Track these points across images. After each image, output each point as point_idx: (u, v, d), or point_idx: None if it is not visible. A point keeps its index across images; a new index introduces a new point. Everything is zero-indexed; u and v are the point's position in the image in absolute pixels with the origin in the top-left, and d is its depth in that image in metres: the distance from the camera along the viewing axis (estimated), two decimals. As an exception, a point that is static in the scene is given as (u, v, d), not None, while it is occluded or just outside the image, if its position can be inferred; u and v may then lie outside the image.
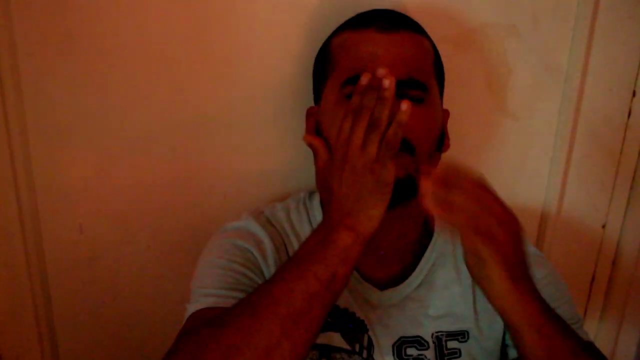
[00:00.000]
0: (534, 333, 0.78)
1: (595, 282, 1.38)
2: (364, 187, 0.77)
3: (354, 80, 0.85)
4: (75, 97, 1.05)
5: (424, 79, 0.92)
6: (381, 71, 0.77)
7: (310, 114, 1.01)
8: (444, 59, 1.00)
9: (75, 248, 1.15)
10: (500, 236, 0.77)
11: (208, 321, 0.76)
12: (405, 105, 0.76)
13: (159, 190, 1.14)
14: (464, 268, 0.95)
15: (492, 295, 0.79)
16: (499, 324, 0.95)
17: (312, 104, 1.02)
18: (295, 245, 0.96)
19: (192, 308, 0.86)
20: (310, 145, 0.90)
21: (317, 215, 0.99)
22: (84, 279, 1.17)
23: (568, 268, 1.34)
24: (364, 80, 0.81)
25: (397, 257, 0.98)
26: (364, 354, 0.93)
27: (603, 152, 1.27)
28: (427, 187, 0.78)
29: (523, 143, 1.24)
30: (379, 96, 0.77)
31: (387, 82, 0.77)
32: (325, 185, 0.83)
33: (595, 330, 1.42)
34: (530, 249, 1.00)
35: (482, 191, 0.79)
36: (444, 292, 0.97)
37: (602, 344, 1.41)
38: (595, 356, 0.83)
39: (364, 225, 0.77)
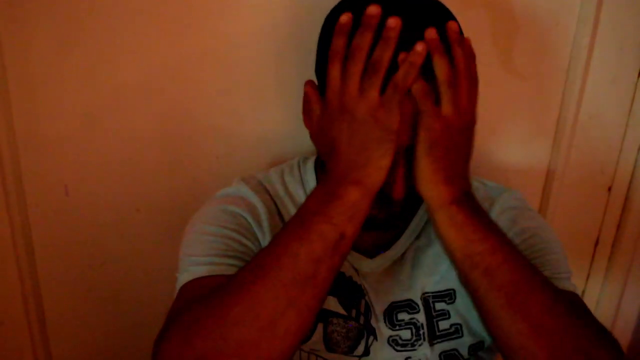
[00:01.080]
0: (447, 220, 0.75)
1: (599, 245, 1.37)
2: (368, 137, 0.71)
3: None
4: (60, 48, 1.00)
5: None
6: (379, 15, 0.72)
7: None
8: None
9: (60, 211, 1.11)
10: (436, 125, 0.73)
11: (201, 295, 0.72)
12: (420, 46, 0.70)
13: (148, 150, 1.10)
14: None
15: (414, 175, 0.75)
16: None
17: (312, 67, 0.96)
18: (290, 209, 0.92)
19: (182, 279, 0.81)
20: (305, 94, 0.85)
21: (310, 180, 0.95)
22: (70, 244, 1.14)
23: (572, 230, 1.33)
24: (344, 18, 0.74)
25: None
26: (361, 320, 0.90)
27: (611, 112, 1.24)
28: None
29: (529, 102, 1.21)
30: (383, 37, 0.71)
31: (393, 22, 0.70)
32: (324, 140, 0.78)
33: (598, 294, 1.42)
34: (519, 202, 0.96)
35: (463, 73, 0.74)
36: (428, 249, 0.94)
37: (605, 307, 1.41)
38: (556, 292, 0.76)
39: (372, 177, 0.72)
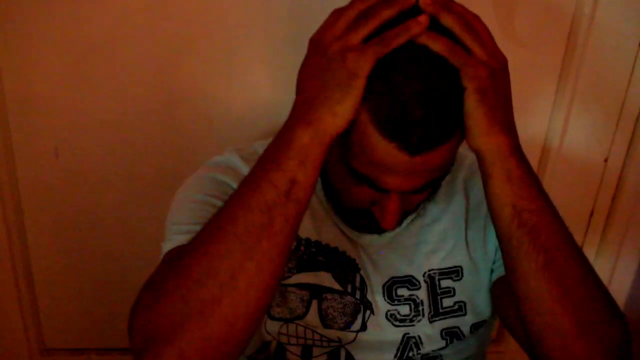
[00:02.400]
0: (503, 174, 0.70)
1: (593, 216, 1.36)
2: (331, 77, 0.66)
3: (360, 180, 0.74)
4: (47, 4, 0.98)
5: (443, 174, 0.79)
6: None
7: None
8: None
9: (50, 174, 1.10)
10: (482, 71, 0.67)
11: (173, 255, 0.70)
12: (424, 18, 0.65)
13: (139, 111, 1.08)
14: (454, 198, 0.93)
15: (468, 129, 0.70)
16: (490, 252, 0.91)
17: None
18: None
19: (165, 247, 0.80)
20: None
21: None
22: (60, 208, 1.14)
23: (567, 201, 1.31)
24: None
25: None
26: (357, 295, 0.89)
27: (611, 81, 1.22)
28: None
29: (528, 70, 1.18)
30: (405, 23, 0.66)
31: (423, 18, 0.66)
32: (297, 80, 0.72)
33: (591, 264, 1.39)
34: None
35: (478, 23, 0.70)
36: (434, 225, 0.92)
37: (597, 278, 1.39)
38: (588, 263, 0.75)
39: (325, 122, 0.66)
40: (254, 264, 0.64)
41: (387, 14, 0.67)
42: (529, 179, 0.71)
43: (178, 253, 0.69)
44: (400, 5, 0.67)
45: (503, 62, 0.70)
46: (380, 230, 0.81)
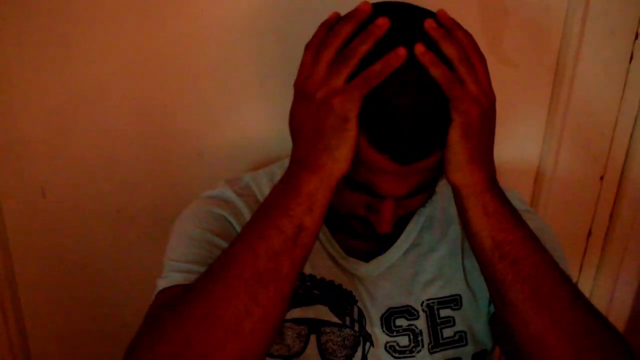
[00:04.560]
0: (479, 208, 0.72)
1: (592, 237, 1.35)
2: (324, 123, 0.67)
3: (356, 187, 0.75)
4: (34, 46, 0.98)
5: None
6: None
7: None
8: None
9: (38, 214, 1.09)
10: (472, 108, 0.68)
11: (175, 296, 0.70)
12: (402, 51, 0.66)
13: (127, 148, 1.07)
14: (450, 227, 0.93)
15: (447, 161, 0.71)
16: None
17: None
18: None
19: (161, 284, 0.79)
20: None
21: None
22: (50, 249, 1.12)
23: (565, 221, 1.31)
24: (332, 15, 0.73)
25: None
26: (356, 327, 0.88)
27: (603, 98, 1.21)
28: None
29: (520, 90, 1.18)
30: (366, 30, 0.67)
31: (382, 20, 0.67)
32: (290, 127, 0.74)
33: (591, 286, 1.40)
34: (521, 203, 0.94)
35: (474, 53, 0.71)
36: (431, 255, 0.92)
37: (598, 298, 1.39)
38: (576, 289, 0.75)
39: (327, 167, 0.68)
40: (260, 308, 0.65)
41: (364, 49, 0.67)
42: (506, 211, 0.73)
43: (180, 293, 0.69)
44: (375, 36, 0.67)
45: (492, 101, 0.72)
46: (376, 237, 0.80)
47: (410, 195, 0.74)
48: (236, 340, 0.64)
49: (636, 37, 1.17)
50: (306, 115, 0.69)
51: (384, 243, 0.92)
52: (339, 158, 0.68)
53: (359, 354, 0.87)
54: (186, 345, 0.64)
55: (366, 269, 0.90)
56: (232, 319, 0.64)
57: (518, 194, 0.97)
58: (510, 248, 0.72)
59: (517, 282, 0.71)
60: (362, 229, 0.80)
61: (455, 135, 0.69)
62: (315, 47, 0.71)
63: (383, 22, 0.67)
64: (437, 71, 0.67)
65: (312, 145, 0.69)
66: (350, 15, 0.70)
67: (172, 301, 0.69)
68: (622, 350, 0.73)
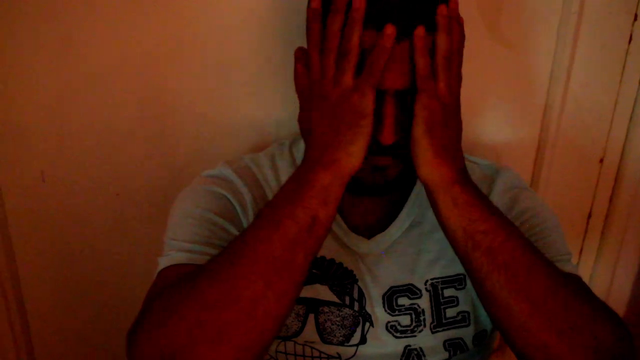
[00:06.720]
0: (449, 201, 0.74)
1: (592, 219, 1.35)
2: (341, 121, 0.72)
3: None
4: (33, 32, 0.97)
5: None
6: None
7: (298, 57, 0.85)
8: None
9: (37, 198, 1.08)
10: (436, 104, 0.73)
11: (183, 277, 0.70)
12: (390, 29, 0.69)
13: (126, 132, 1.07)
14: None
15: (415, 157, 0.75)
16: None
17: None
18: None
19: (163, 262, 0.79)
20: (295, 70, 0.83)
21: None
22: (49, 233, 1.11)
23: (564, 204, 1.31)
24: (314, 3, 0.75)
25: (384, 202, 0.93)
26: (356, 307, 0.88)
27: (602, 81, 1.21)
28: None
29: (518, 73, 1.18)
30: (349, 19, 0.71)
31: (357, 2, 0.70)
32: (304, 123, 0.79)
33: (591, 268, 1.40)
34: (518, 182, 0.95)
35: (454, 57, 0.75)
36: (433, 234, 0.92)
37: (598, 282, 1.40)
38: (556, 272, 0.75)
39: (344, 162, 0.72)
40: (273, 294, 0.67)
41: (356, 39, 0.71)
42: (477, 202, 0.75)
43: (186, 273, 0.70)
44: (359, 21, 0.71)
45: (457, 107, 0.77)
46: (380, 188, 0.83)
47: (408, 91, 0.75)
48: (249, 322, 0.66)
49: (635, 19, 1.16)
50: (320, 114, 0.74)
51: (385, 215, 0.92)
52: (352, 153, 0.71)
53: (357, 334, 0.88)
54: (198, 327, 0.64)
55: (368, 246, 0.90)
56: (249, 302, 0.66)
57: (516, 173, 0.97)
58: (482, 237, 0.73)
59: (493, 271, 0.72)
60: (369, 175, 0.80)
61: (419, 130, 0.73)
62: (316, 46, 0.75)
63: (359, 4, 0.70)
64: (421, 60, 0.72)
65: (325, 141, 0.73)
66: (334, 7, 0.73)
67: (179, 281, 0.70)
68: (616, 331, 0.72)
